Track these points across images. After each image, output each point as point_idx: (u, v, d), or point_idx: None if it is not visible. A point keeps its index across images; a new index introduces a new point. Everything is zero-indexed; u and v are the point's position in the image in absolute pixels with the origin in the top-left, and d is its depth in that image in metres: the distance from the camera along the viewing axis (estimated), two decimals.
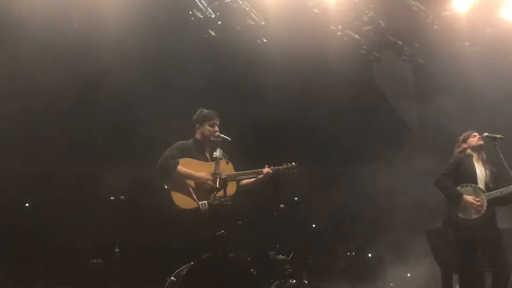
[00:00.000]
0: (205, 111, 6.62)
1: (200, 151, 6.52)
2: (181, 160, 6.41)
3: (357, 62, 9.33)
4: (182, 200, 6.32)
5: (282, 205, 8.90)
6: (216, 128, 6.55)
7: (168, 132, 9.11)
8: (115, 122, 9.79)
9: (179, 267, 6.16)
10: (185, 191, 6.32)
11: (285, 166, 6.56)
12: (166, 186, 6.36)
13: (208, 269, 5.86)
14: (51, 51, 8.33)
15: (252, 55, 8.97)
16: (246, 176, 6.55)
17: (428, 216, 9.16)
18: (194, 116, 6.64)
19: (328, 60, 9.07)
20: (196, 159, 6.46)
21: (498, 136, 6.64)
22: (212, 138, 6.50)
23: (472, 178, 6.71)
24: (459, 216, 6.64)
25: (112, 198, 11.26)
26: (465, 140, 6.98)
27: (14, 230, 9.55)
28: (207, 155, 6.53)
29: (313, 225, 11.99)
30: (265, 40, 8.63)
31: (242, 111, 9.23)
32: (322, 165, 11.21)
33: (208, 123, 6.54)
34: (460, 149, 6.97)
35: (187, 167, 6.38)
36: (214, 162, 6.23)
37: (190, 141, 6.57)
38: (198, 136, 6.62)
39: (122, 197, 9.15)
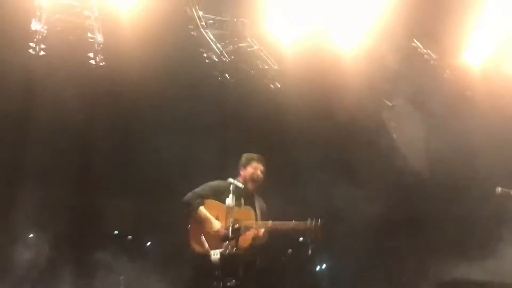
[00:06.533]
0: (251, 155, 6.64)
1: (237, 196, 6.15)
2: (208, 202, 6.33)
3: (371, 106, 9.33)
4: (198, 243, 6.24)
5: (290, 250, 8.85)
6: (259, 173, 6.53)
7: (185, 172, 9.22)
8: (130, 159, 9.82)
9: None
10: (201, 234, 6.25)
11: (309, 224, 6.24)
12: (188, 226, 6.29)
13: None
14: (68, 89, 8.39)
15: (265, 99, 9.00)
16: (259, 227, 6.38)
17: None
18: (240, 160, 6.63)
19: (343, 106, 9.07)
20: (226, 203, 6.17)
21: None
22: (255, 183, 6.48)
23: None
24: None
25: (116, 232, 11.26)
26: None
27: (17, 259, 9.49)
28: (242, 200, 6.35)
29: (323, 266, 11.85)
30: (278, 85, 8.67)
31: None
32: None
33: (251, 166, 6.55)
34: None
35: (211, 209, 6.29)
36: (239, 209, 6.11)
37: (228, 183, 6.18)
38: (240, 179, 6.56)
39: (130, 236, 9.12)
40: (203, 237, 6.21)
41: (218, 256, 6.03)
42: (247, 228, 6.21)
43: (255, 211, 6.41)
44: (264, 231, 6.27)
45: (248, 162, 6.62)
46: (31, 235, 10.47)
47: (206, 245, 6.16)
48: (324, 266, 12.02)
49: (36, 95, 8.47)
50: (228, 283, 5.91)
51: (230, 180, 6.22)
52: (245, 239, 6.17)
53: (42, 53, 7.65)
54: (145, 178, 10.29)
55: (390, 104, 9.34)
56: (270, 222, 6.30)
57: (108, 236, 10.91)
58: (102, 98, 8.82)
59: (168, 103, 9.03)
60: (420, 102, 9.69)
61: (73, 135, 9.55)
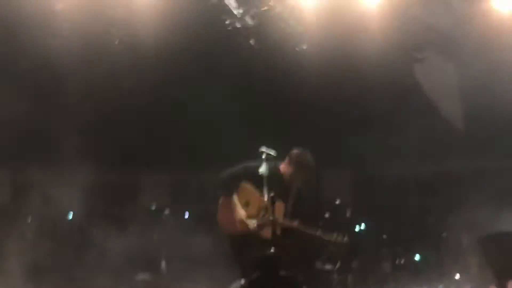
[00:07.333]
0: (302, 158, 6.24)
1: (271, 185, 5.90)
2: (243, 186, 6.19)
3: (398, 64, 9.08)
4: (225, 220, 6.17)
5: (327, 215, 8.78)
6: (298, 179, 6.24)
7: (216, 142, 9.22)
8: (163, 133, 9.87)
9: (228, 285, 6.11)
10: (232, 210, 6.16)
11: (334, 237, 6.07)
12: (219, 201, 6.21)
13: None
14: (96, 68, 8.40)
15: (291, 62, 8.83)
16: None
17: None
18: (292, 152, 6.30)
19: (370, 62, 8.83)
20: (258, 187, 5.99)
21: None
22: (292, 182, 6.26)
23: None
24: None
25: (153, 208, 11.36)
26: None
27: (57, 242, 9.66)
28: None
29: (357, 228, 11.80)
30: (304, 47, 8.46)
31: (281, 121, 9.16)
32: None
33: (295, 168, 6.23)
34: None
35: (243, 195, 6.18)
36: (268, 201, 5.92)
37: (265, 167, 5.93)
38: (282, 169, 6.30)
39: (167, 212, 9.17)
40: (237, 207, 6.14)
41: (255, 225, 6.01)
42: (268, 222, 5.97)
43: (286, 203, 6.20)
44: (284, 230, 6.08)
45: (294, 162, 6.26)
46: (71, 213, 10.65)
47: (242, 214, 6.08)
48: (362, 226, 11.98)
49: (66, 72, 8.46)
50: (267, 252, 5.86)
51: (263, 169, 5.87)
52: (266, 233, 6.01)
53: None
54: (178, 151, 10.35)
55: (419, 57, 9.05)
56: (295, 224, 6.16)
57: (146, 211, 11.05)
58: (128, 74, 8.78)
59: (194, 73, 8.96)
60: (450, 53, 9.39)
61: (106, 111, 9.60)
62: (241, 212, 6.10)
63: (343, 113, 10.08)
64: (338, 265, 8.37)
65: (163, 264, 8.78)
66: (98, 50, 8.32)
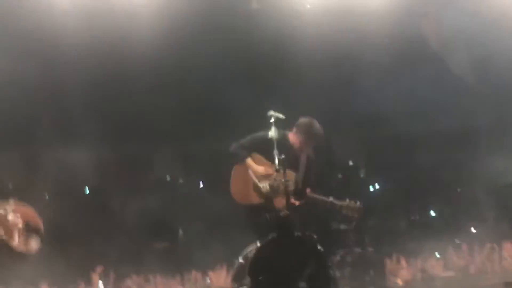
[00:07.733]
0: (314, 127, 6.19)
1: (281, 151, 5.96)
2: (254, 156, 6.17)
3: (402, 22, 8.90)
4: (239, 192, 6.22)
5: (340, 175, 8.80)
6: (306, 147, 6.24)
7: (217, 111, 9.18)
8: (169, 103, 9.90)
9: (244, 248, 6.17)
10: (245, 181, 6.18)
11: (347, 202, 6.22)
12: (231, 171, 6.24)
13: (276, 249, 5.86)
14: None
15: (293, 22, 8.70)
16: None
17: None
18: (299, 121, 6.27)
19: (371, 18, 8.68)
20: (269, 158, 6.06)
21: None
22: (299, 150, 6.26)
23: None
24: None
25: (168, 178, 11.45)
26: None
27: (76, 215, 9.78)
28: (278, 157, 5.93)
29: (376, 186, 11.77)
30: (308, 6, 8.31)
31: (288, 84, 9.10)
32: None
33: (303, 136, 6.21)
34: None
35: (255, 162, 6.19)
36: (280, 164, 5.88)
37: (275, 131, 5.97)
38: (290, 138, 6.29)
39: (181, 181, 9.26)
40: (251, 172, 6.16)
41: (268, 188, 6.07)
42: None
43: (296, 172, 6.21)
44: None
45: (302, 131, 6.24)
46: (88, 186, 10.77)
47: (255, 178, 6.13)
48: (377, 186, 11.98)
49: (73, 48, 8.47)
50: (281, 214, 5.93)
51: (272, 133, 5.93)
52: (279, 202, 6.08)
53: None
54: (188, 123, 10.37)
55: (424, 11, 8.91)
56: (308, 192, 6.23)
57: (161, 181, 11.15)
58: (131, 44, 8.75)
59: (198, 39, 8.87)
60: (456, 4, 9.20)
61: (118, 85, 9.62)
62: (257, 169, 6.11)
63: (352, 72, 10.00)
64: (353, 224, 8.43)
65: (180, 231, 8.89)
66: (99, 20, 8.26)
